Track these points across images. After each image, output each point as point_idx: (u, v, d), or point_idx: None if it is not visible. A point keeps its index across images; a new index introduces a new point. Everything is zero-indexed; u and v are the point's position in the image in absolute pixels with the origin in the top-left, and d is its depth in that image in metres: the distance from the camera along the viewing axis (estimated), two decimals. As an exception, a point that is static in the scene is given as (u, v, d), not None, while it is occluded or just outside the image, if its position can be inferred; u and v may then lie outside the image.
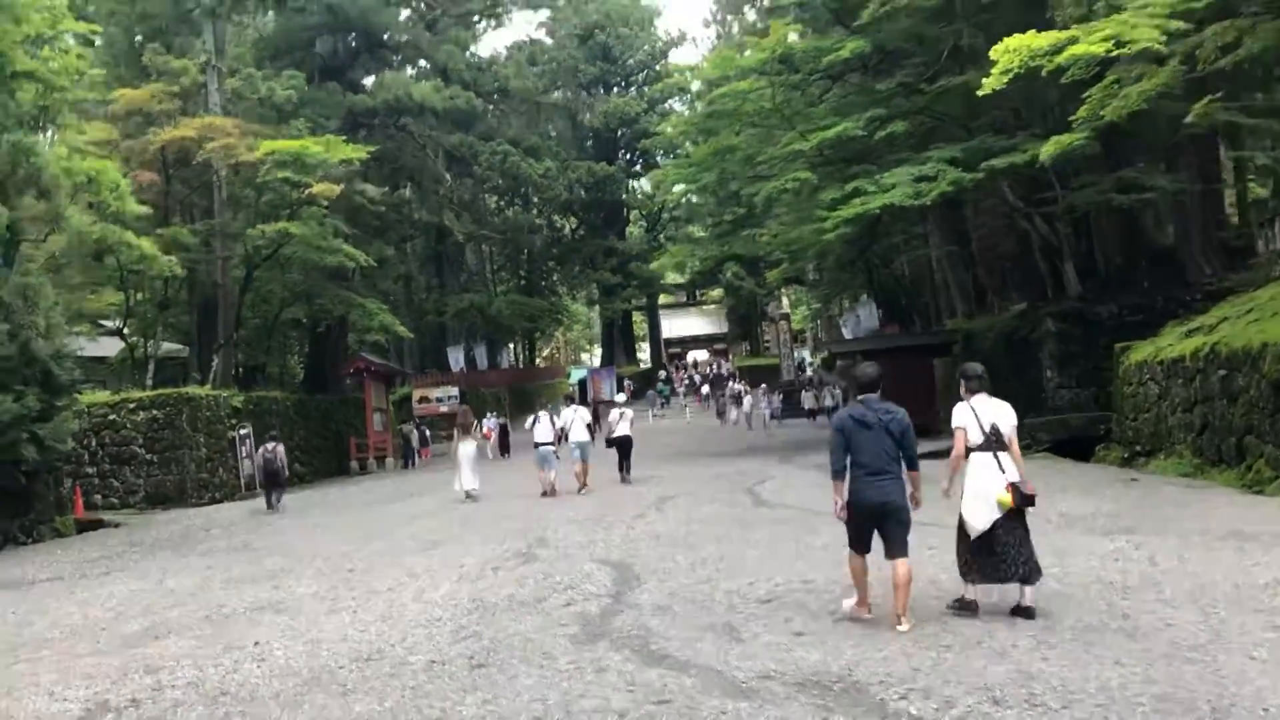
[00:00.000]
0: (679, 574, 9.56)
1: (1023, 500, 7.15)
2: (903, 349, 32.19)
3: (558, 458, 19.64)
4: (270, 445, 22.18)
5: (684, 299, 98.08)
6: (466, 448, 20.03)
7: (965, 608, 7.24)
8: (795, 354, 61.86)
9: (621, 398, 23.94)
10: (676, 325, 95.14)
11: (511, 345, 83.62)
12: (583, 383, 75.42)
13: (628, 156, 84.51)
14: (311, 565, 12.49)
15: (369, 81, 51.30)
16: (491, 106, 60.75)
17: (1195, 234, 27.10)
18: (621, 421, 21.21)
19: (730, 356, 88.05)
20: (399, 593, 9.85)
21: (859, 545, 7.29)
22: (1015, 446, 7.36)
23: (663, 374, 79.99)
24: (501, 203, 71.51)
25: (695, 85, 75.20)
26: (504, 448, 37.70)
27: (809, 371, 65.23)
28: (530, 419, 20.75)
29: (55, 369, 21.19)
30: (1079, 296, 27.53)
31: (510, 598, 9.04)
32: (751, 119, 26.04)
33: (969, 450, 7.31)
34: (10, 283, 18.34)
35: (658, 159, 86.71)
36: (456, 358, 66.76)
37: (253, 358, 42.93)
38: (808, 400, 48.18)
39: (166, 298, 34.72)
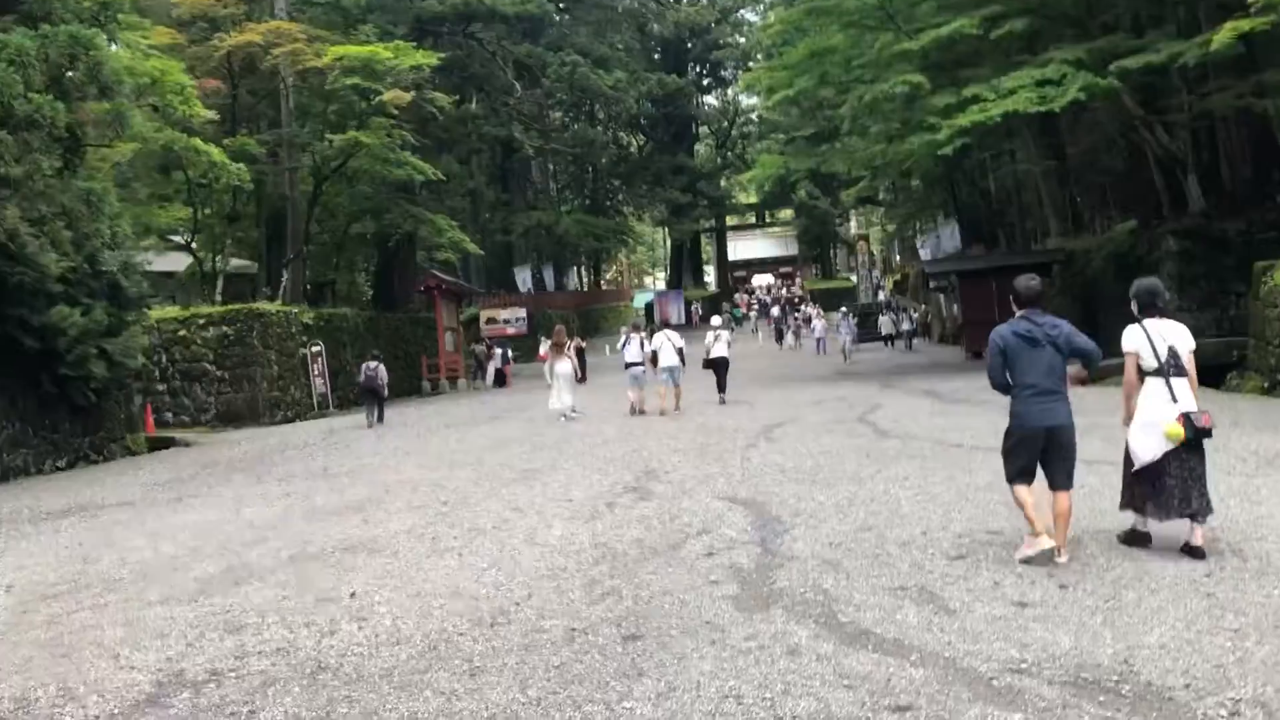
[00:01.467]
0: (828, 518, 8.23)
1: (1197, 433, 6.41)
2: (1001, 269, 30.25)
3: (647, 379, 19.57)
4: (372, 364, 22.36)
5: (752, 221, 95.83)
6: (563, 366, 19.49)
7: (1135, 540, 6.70)
8: (874, 276, 59.55)
9: (718, 320, 23.50)
10: (743, 248, 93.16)
11: (577, 267, 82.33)
12: (649, 306, 74.06)
13: (697, 70, 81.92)
14: (400, 495, 11.37)
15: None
16: (560, 15, 58.71)
17: (1336, 144, 24.77)
18: (717, 343, 21.14)
19: (798, 279, 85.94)
20: (508, 532, 8.65)
21: (1023, 477, 6.64)
22: (1193, 372, 6.61)
23: (738, 297, 78.36)
24: (567, 118, 69.67)
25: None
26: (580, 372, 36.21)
27: (882, 295, 63.03)
28: (621, 340, 20.83)
29: (124, 281, 20.32)
30: (1202, 213, 25.45)
31: (639, 543, 7.78)
32: (852, 17, 24.05)
33: (1142, 375, 6.60)
34: (73, 188, 17.27)
35: (727, 73, 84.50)
36: (524, 278, 65.70)
37: (321, 274, 42.10)
38: (885, 325, 46.22)
39: (234, 210, 33.83)
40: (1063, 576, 6.06)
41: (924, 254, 64.25)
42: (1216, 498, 6.92)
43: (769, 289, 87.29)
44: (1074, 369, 6.83)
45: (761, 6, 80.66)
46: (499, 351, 38.45)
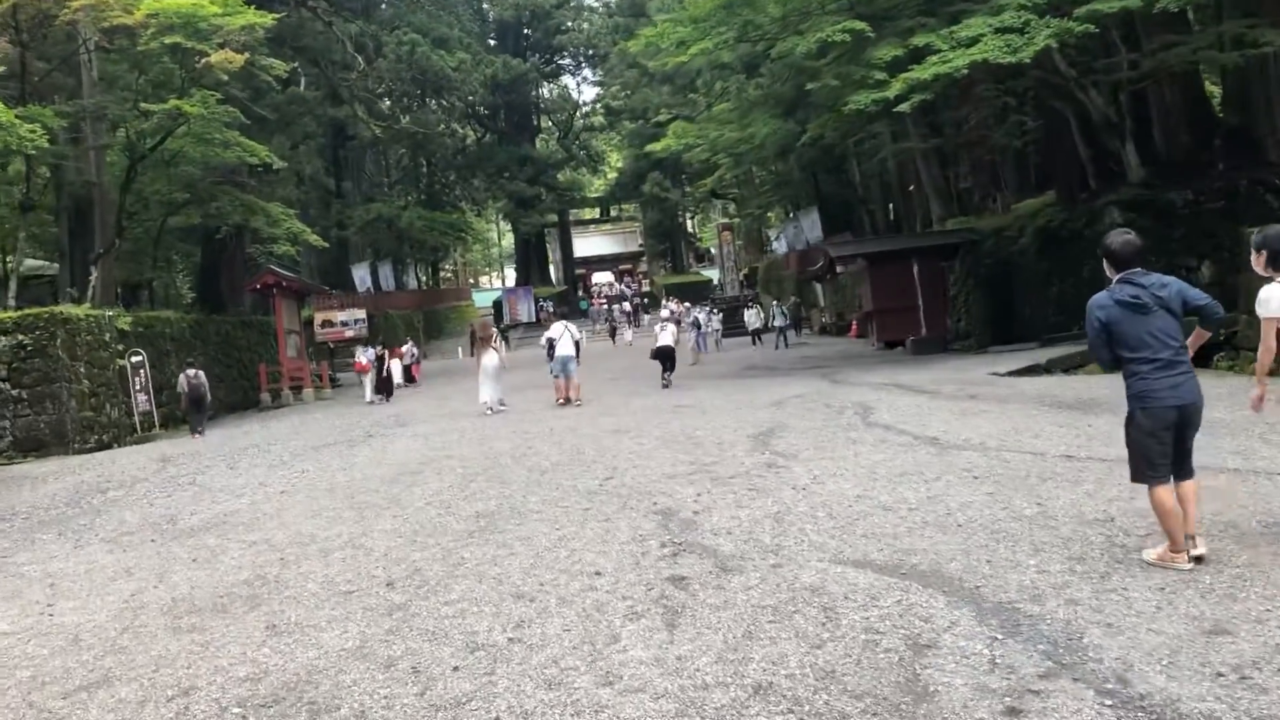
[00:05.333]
0: (1117, 610, 4.95)
1: None
2: (915, 251, 27.92)
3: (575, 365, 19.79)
4: (192, 372, 22.94)
5: (596, 215, 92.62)
6: (489, 359, 19.60)
7: None
8: (736, 269, 57.03)
9: (665, 311, 27.45)
10: (584, 245, 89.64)
11: (413, 266, 77.57)
12: (498, 304, 69.95)
13: (538, 58, 78.09)
14: (308, 569, 7.52)
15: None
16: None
17: (1277, 107, 23.23)
18: (663, 333, 22.47)
19: (636, 276, 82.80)
20: (546, 652, 5.01)
21: (1159, 474, 5.51)
22: None
23: (594, 292, 75.42)
24: (399, 106, 64.85)
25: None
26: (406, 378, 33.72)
27: (728, 291, 60.50)
28: (547, 332, 20.81)
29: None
30: (1143, 183, 23.54)
31: (832, 681, 4.29)
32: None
33: None
34: None
35: (568, 62, 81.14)
36: (361, 277, 60.76)
37: (135, 274, 36.60)
38: (752, 319, 43.80)
39: (28, 199, 28.32)
40: None
41: (779, 246, 62.41)
42: None
43: (610, 285, 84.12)
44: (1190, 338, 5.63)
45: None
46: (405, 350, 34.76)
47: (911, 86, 18.14)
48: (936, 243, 27.95)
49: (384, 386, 28.13)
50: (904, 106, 18.93)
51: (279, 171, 38.15)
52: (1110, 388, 13.75)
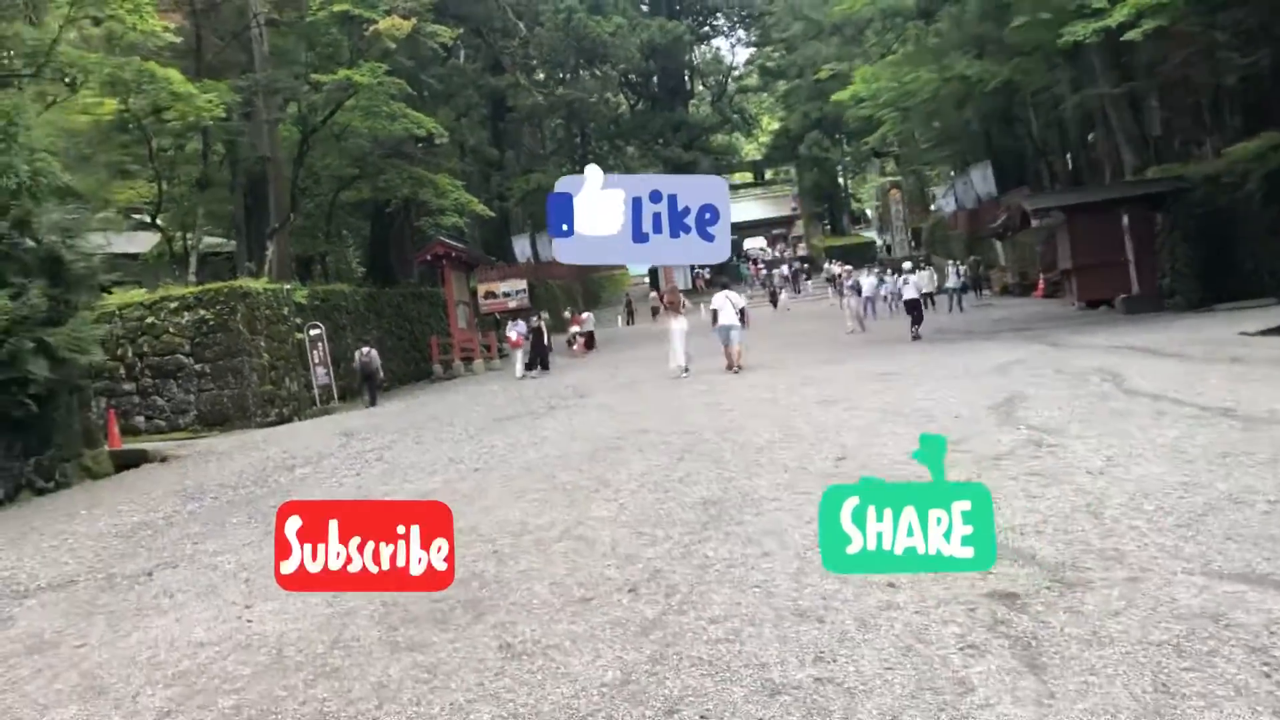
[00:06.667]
0: None
1: None
2: (1120, 202, 25.45)
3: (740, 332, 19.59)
4: (365, 350, 23.60)
5: (750, 179, 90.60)
6: (679, 324, 20.13)
7: None
8: (906, 228, 54.54)
9: (908, 265, 30.39)
10: (737, 210, 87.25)
11: (569, 237, 77.34)
12: (654, 272, 69.02)
13: (690, 21, 76.47)
14: (523, 563, 6.51)
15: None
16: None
17: None
18: (907, 288, 25.09)
19: (790, 241, 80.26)
20: (880, 697, 3.83)
21: None
22: None
23: (751, 254, 74.38)
24: (553, 78, 64.22)
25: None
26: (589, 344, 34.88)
27: (895, 252, 57.88)
28: (711, 303, 20.73)
29: (66, 254, 15.56)
30: (1399, 116, 20.80)
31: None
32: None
33: None
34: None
35: (721, 23, 79.40)
36: (522, 248, 60.70)
37: (309, 248, 36.99)
38: (924, 281, 41.39)
39: (205, 176, 28.66)
40: None
41: (945, 204, 59.63)
42: None
43: (762, 250, 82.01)
44: None
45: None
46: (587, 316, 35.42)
47: (1140, 11, 16.11)
48: (1145, 192, 25.43)
49: (539, 361, 26.86)
50: (1133, 34, 16.91)
51: (442, 144, 38.02)
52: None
